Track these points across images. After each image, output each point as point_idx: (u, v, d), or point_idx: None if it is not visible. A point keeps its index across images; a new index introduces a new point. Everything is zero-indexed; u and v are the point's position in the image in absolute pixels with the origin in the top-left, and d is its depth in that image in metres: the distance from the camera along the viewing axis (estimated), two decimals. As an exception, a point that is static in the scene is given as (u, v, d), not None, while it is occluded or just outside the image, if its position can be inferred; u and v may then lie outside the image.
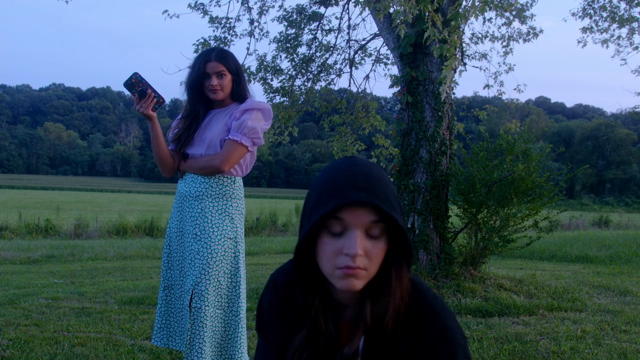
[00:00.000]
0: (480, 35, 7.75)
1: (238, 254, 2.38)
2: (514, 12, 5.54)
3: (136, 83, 2.32)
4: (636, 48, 7.24)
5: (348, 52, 8.11)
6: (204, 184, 2.36)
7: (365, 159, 1.07)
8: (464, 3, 4.30)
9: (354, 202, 0.98)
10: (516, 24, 7.21)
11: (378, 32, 6.53)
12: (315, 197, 1.03)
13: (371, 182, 1.01)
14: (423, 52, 5.27)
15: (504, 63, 9.83)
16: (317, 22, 7.95)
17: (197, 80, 2.38)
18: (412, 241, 5.19)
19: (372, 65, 8.18)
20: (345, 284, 1.01)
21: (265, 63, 7.78)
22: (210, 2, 7.08)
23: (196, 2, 7.05)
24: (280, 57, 7.91)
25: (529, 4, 7.03)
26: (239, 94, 2.45)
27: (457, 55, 4.34)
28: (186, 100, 2.47)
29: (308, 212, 1.05)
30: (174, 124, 2.52)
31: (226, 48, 2.56)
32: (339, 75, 8.24)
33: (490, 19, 7.55)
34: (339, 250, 1.00)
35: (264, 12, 7.44)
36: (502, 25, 7.33)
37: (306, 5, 7.94)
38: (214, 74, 2.35)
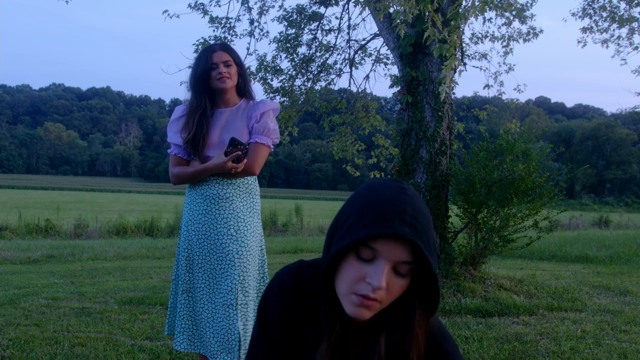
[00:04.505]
0: (480, 35, 7.76)
1: (263, 247, 2.47)
2: (513, 12, 5.54)
3: (235, 146, 2.30)
4: (636, 48, 7.24)
5: (348, 52, 8.11)
6: (231, 185, 2.38)
7: (414, 191, 1.01)
8: (463, 3, 4.30)
9: (397, 235, 0.92)
10: (516, 24, 7.21)
11: (378, 32, 6.53)
12: (356, 215, 0.97)
13: (418, 219, 0.95)
14: (423, 52, 5.27)
15: (504, 63, 9.84)
16: (317, 22, 7.95)
17: (204, 72, 2.37)
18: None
19: (372, 65, 8.18)
20: (357, 312, 0.98)
21: (265, 63, 7.78)
22: (210, 2, 7.09)
23: (196, 2, 7.05)
24: (280, 57, 7.92)
25: (529, 4, 7.03)
26: (245, 89, 2.48)
27: (457, 55, 4.34)
28: (191, 96, 2.44)
29: (344, 229, 0.98)
30: (178, 126, 2.44)
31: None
32: (339, 75, 8.24)
33: (490, 19, 7.55)
34: (362, 277, 0.96)
35: (264, 12, 7.44)
36: (502, 25, 7.34)
37: (306, 5, 7.95)
38: (221, 62, 2.37)
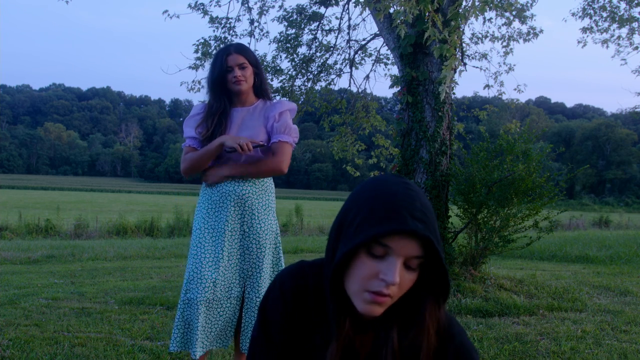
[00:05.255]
0: (480, 35, 7.76)
1: (278, 244, 2.49)
2: (514, 12, 5.54)
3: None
4: (636, 48, 7.24)
5: (348, 52, 8.11)
6: (247, 182, 2.40)
7: (416, 185, 1.02)
8: (464, 3, 4.30)
9: (410, 231, 0.94)
10: (516, 24, 7.21)
11: (378, 32, 6.53)
12: (366, 212, 0.98)
13: (426, 214, 0.97)
14: (423, 52, 5.27)
15: (504, 63, 9.85)
16: (317, 22, 7.95)
17: (220, 75, 2.40)
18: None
19: (372, 66, 8.18)
20: (369, 309, 0.98)
21: (265, 63, 7.78)
22: (211, 2, 7.09)
23: (196, 2, 7.05)
24: (281, 57, 7.92)
25: (529, 4, 7.03)
26: (262, 88, 2.50)
27: (457, 55, 4.34)
28: (209, 98, 2.47)
29: (354, 226, 0.99)
30: (195, 122, 2.45)
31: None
32: (339, 76, 8.24)
33: (490, 19, 7.56)
34: (375, 274, 0.96)
35: (264, 12, 7.44)
36: (502, 25, 7.34)
37: (306, 6, 7.95)
38: (236, 65, 2.39)
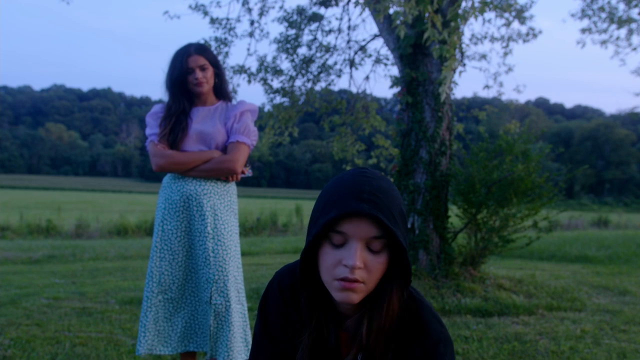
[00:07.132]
0: (480, 36, 7.76)
1: (239, 247, 2.47)
2: (513, 13, 5.56)
3: None
4: (634, 49, 7.26)
5: (348, 52, 8.12)
6: (210, 182, 2.38)
7: (377, 172, 1.04)
8: (463, 4, 4.32)
9: (354, 212, 0.96)
10: (515, 24, 7.23)
11: (378, 33, 6.55)
12: (321, 207, 1.02)
13: (377, 194, 0.98)
14: (423, 52, 5.29)
15: (503, 64, 9.83)
16: (317, 23, 7.96)
17: (180, 76, 2.37)
18: (412, 241, 5.21)
19: (372, 66, 8.19)
20: (343, 296, 1.00)
21: (265, 64, 7.79)
22: (211, 3, 7.11)
23: (197, 3, 7.07)
24: (281, 57, 7.93)
25: (528, 5, 7.04)
26: (222, 89, 2.48)
27: (457, 56, 4.36)
28: (168, 99, 2.46)
29: (313, 222, 1.04)
30: (157, 121, 2.48)
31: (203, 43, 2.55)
32: (339, 76, 8.25)
33: (489, 20, 7.57)
34: (339, 261, 1.00)
35: (264, 13, 7.46)
36: (502, 26, 7.35)
37: (306, 6, 7.96)
38: (197, 67, 2.36)
